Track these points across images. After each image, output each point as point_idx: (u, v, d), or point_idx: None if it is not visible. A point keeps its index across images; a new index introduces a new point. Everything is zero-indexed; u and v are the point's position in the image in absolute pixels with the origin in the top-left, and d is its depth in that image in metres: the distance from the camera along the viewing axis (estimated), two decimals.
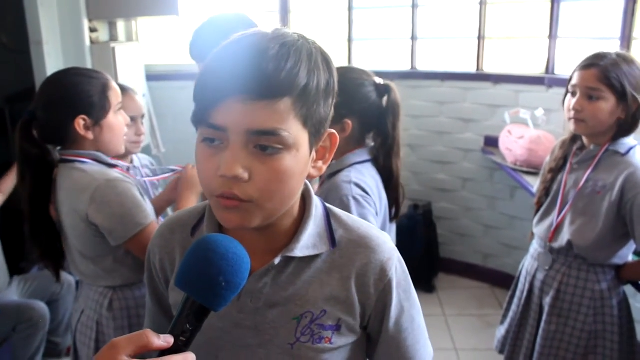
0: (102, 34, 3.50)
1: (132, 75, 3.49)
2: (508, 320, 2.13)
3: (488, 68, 3.59)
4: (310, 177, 0.84)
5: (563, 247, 1.88)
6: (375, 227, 0.93)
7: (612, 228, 1.78)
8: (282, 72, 0.72)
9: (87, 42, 3.27)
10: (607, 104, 1.74)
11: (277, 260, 0.84)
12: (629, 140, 1.79)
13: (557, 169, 1.96)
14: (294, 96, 0.74)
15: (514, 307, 2.10)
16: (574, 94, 1.81)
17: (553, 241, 1.92)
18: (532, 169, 3.04)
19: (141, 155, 2.17)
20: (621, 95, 1.73)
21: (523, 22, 3.47)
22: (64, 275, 2.78)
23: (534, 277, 2.00)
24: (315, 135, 0.80)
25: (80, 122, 1.55)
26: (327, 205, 0.93)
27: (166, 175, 1.87)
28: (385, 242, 0.90)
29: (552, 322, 1.91)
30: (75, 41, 3.22)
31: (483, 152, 3.57)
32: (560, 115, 3.21)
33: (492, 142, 3.50)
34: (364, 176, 1.58)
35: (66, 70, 1.65)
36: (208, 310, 0.70)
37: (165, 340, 0.66)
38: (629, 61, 1.75)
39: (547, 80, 3.26)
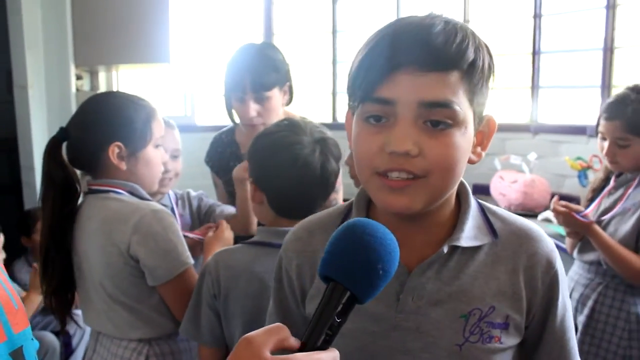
0: (86, 83, 3.42)
1: None
2: None
3: None
4: (470, 162, 0.79)
5: (601, 266, 1.86)
6: (529, 220, 0.89)
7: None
8: (453, 45, 0.71)
9: (73, 89, 3.18)
10: (637, 148, 1.80)
11: (445, 249, 0.78)
12: None
13: (599, 189, 1.98)
14: (463, 70, 0.72)
15: None
16: (604, 139, 1.87)
17: (585, 255, 1.91)
18: (527, 212, 3.06)
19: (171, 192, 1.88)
20: None
21: (506, 73, 3.61)
22: (47, 337, 2.54)
23: (570, 295, 1.96)
24: (478, 117, 0.78)
25: (114, 150, 1.38)
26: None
27: (193, 235, 1.69)
28: (544, 233, 0.86)
29: (585, 342, 1.85)
30: (61, 87, 3.13)
31: None
32: (549, 160, 3.32)
33: (481, 190, 3.53)
34: None
35: (112, 92, 1.51)
36: (354, 303, 0.63)
37: (297, 343, 0.62)
38: None
39: (532, 127, 3.36)
